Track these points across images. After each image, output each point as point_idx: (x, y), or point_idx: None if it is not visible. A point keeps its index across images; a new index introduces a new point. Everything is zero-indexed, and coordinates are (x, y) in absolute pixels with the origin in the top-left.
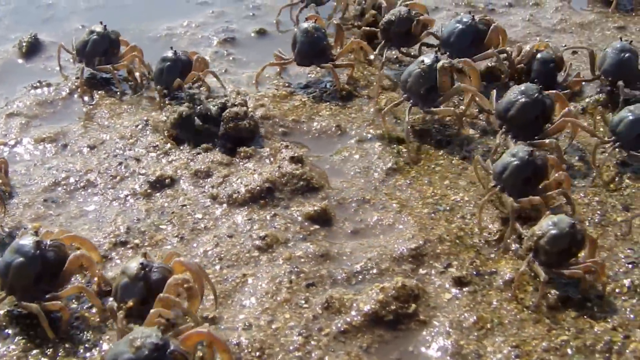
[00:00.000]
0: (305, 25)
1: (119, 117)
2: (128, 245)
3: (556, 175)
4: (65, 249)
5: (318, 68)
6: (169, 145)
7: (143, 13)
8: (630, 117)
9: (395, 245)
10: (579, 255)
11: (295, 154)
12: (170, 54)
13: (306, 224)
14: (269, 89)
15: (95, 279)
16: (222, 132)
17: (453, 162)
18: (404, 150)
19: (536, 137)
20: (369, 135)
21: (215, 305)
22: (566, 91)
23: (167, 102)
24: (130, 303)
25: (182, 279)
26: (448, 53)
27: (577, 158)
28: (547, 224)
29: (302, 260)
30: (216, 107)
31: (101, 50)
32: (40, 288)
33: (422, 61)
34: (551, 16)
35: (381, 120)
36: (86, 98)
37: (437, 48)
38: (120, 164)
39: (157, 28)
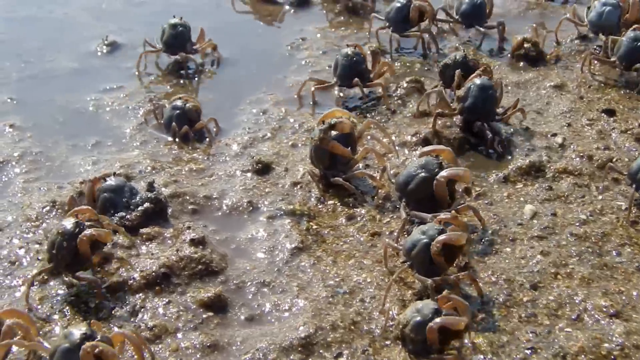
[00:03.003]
0: (346, 50)
1: (30, 194)
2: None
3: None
4: None
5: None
6: None
7: (73, 83)
8: None
9: (287, 334)
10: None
11: (197, 236)
12: (179, 102)
13: (200, 311)
14: (187, 164)
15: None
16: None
17: (362, 239)
18: (314, 226)
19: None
20: (280, 212)
21: None
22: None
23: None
24: None
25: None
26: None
27: (489, 232)
28: (411, 312)
29: (189, 351)
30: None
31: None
32: None
33: (312, 137)
34: None
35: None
36: None
37: None
38: (21, 247)
39: (85, 99)
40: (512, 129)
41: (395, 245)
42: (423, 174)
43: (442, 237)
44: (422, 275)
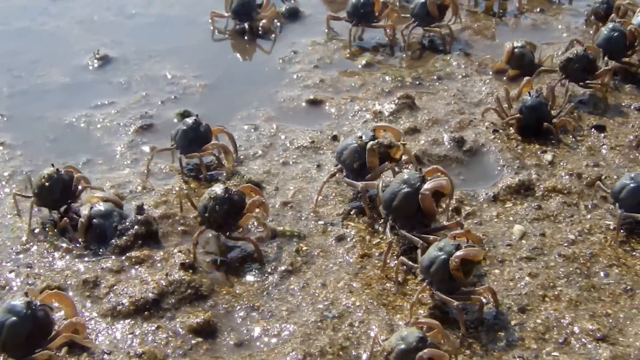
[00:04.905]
0: None
1: (20, 215)
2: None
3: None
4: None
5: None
6: (63, 248)
7: (65, 98)
8: (632, 185)
9: None
10: None
11: (187, 260)
12: (190, 121)
13: (189, 336)
14: (177, 183)
15: None
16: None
17: (351, 260)
18: (304, 247)
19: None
20: (270, 233)
21: None
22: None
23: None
24: None
25: None
26: None
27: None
28: (396, 339)
29: None
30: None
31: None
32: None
33: (360, 137)
34: (478, 90)
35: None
36: None
37: None
38: (12, 271)
39: (76, 115)
40: None
41: (411, 263)
42: (406, 189)
43: (460, 252)
44: (441, 292)
